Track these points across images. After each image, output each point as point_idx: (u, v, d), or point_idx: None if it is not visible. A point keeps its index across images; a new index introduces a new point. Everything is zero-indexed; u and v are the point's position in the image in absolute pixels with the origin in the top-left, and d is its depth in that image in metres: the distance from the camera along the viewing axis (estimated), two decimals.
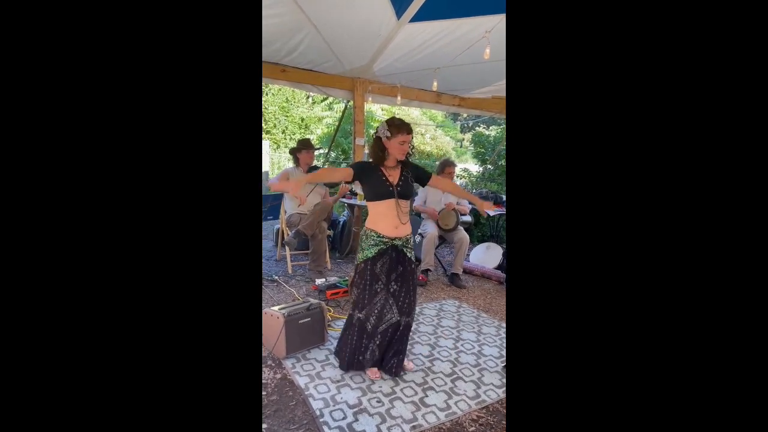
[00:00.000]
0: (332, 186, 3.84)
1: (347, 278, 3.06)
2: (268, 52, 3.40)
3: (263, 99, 10.13)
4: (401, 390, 1.84)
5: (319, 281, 3.07)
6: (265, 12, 2.78)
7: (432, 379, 1.95)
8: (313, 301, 2.22)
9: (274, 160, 9.24)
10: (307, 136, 8.78)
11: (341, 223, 4.36)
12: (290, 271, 3.50)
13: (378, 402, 1.75)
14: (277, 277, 3.30)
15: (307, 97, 10.78)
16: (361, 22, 2.97)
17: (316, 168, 3.72)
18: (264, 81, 3.83)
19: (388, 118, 1.88)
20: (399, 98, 4.04)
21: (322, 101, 10.64)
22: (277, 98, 10.25)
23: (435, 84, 3.64)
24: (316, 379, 1.89)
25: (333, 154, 7.08)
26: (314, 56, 3.52)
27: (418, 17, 2.76)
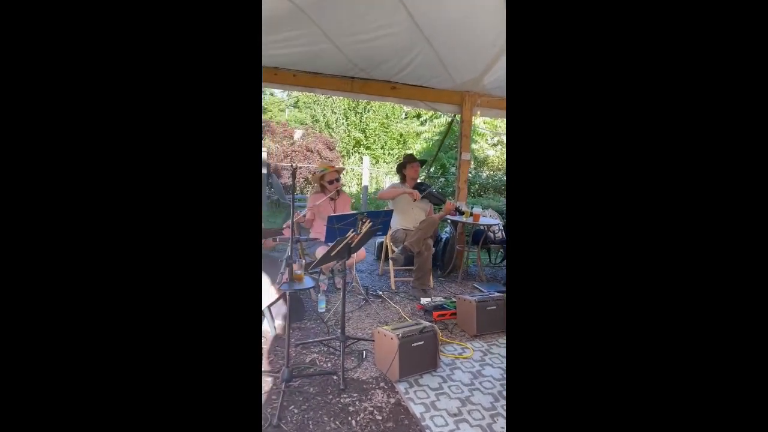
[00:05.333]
0: (437, 203, 3.75)
1: (454, 299, 2.92)
2: (380, 71, 3.48)
3: (365, 116, 10.56)
4: None
5: (424, 300, 2.98)
6: (381, 32, 2.84)
7: None
8: (425, 323, 2.13)
9: (373, 174, 9.51)
10: (407, 152, 8.88)
11: (443, 240, 4.24)
12: (393, 288, 3.47)
13: None
14: (381, 293, 3.29)
15: (405, 113, 10.98)
16: (477, 33, 2.88)
17: (422, 184, 3.68)
18: (374, 99, 3.94)
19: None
20: None
21: (416, 116, 10.74)
22: (377, 115, 10.61)
23: None
24: (432, 409, 1.77)
25: (432, 169, 7.04)
26: (424, 72, 3.52)
27: None
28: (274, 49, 3.03)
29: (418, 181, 3.75)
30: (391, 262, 3.49)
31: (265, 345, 2.30)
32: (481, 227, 3.96)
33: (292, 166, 1.90)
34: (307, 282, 1.89)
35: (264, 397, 1.80)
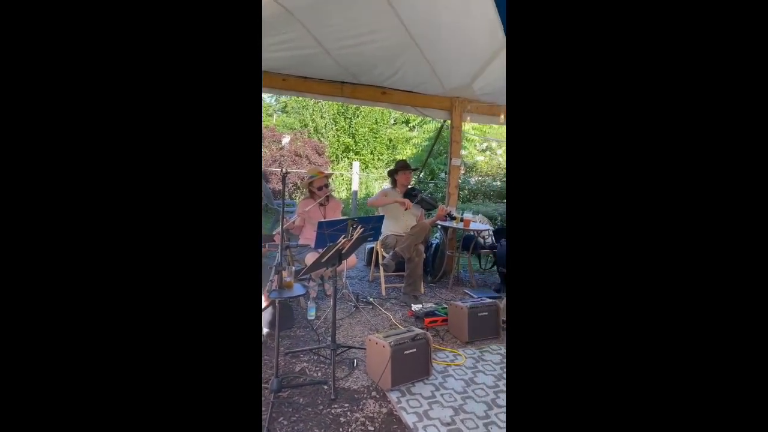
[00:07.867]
0: (429, 208, 3.74)
1: (445, 305, 2.90)
2: (371, 76, 3.47)
3: (354, 121, 10.54)
4: None
5: (415, 307, 2.95)
6: (371, 36, 2.83)
7: None
8: (417, 330, 2.10)
9: (362, 179, 9.47)
10: (397, 158, 8.87)
11: (433, 245, 4.22)
12: (384, 294, 3.44)
13: None
14: (372, 300, 3.25)
15: (394, 119, 10.98)
16: (466, 39, 2.88)
17: (413, 189, 3.67)
18: (365, 104, 3.92)
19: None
20: (502, 117, 3.86)
21: (405, 122, 10.73)
22: (367, 120, 10.59)
23: None
24: (425, 418, 1.74)
25: (422, 174, 7.04)
26: (414, 77, 3.52)
27: None
28: (263, 52, 2.99)
29: (409, 186, 3.73)
30: (381, 268, 3.46)
31: None
32: (472, 233, 3.96)
33: (282, 170, 1.86)
34: (298, 289, 1.85)
35: None
